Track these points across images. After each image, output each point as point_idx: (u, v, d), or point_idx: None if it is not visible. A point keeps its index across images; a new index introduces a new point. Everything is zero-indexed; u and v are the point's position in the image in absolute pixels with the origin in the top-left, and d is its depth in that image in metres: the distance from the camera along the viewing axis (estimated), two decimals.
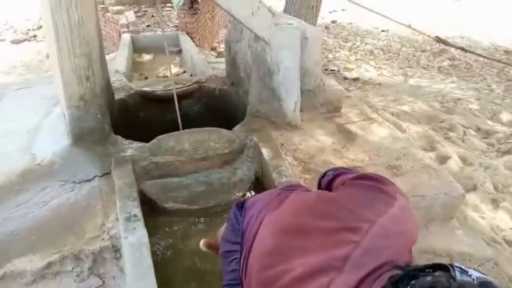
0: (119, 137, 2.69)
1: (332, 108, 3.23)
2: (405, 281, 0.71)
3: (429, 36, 2.97)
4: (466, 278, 0.66)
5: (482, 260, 2.50)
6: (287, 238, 0.95)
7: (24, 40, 7.48)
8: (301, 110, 3.01)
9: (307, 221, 0.96)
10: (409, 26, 3.08)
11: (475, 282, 0.65)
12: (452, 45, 3.22)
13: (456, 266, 0.70)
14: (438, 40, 2.83)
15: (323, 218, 0.94)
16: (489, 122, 4.36)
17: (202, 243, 1.61)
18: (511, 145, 3.84)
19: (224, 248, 1.27)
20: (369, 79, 5.73)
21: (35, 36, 7.64)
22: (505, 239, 2.82)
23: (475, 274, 0.68)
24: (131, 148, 2.57)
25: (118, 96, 3.25)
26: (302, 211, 1.01)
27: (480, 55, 4.95)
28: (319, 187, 1.37)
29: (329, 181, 1.28)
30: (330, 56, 6.82)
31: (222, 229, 1.56)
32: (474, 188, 3.20)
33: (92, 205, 2.22)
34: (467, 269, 0.69)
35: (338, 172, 1.29)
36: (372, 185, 0.97)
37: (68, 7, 2.26)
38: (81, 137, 2.58)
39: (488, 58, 5.52)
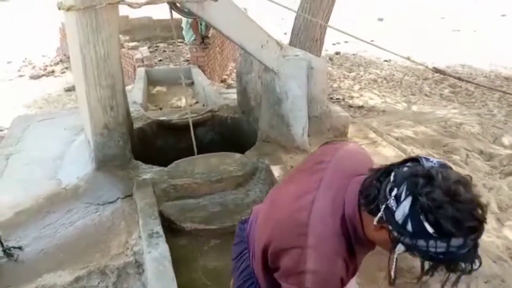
0: (139, 162, 2.87)
1: (339, 133, 3.40)
2: (385, 174, 0.90)
3: (426, 67, 3.16)
4: (429, 164, 0.89)
5: (489, 277, 2.58)
6: (279, 189, 1.24)
7: (43, 75, 7.86)
8: (309, 135, 3.18)
9: (292, 176, 1.25)
10: (408, 58, 3.29)
11: (436, 164, 0.88)
12: (449, 75, 3.39)
13: (422, 157, 0.91)
14: (436, 70, 3.01)
15: (300, 167, 1.24)
16: (492, 145, 4.48)
17: None
18: None
19: (234, 267, 1.44)
20: (373, 106, 5.92)
21: (53, 71, 8.02)
22: (511, 257, 2.89)
23: (435, 160, 0.90)
24: (151, 172, 2.75)
25: (136, 125, 3.46)
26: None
27: (478, 84, 5.14)
28: None
29: None
30: (335, 85, 7.05)
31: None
32: None
33: (116, 224, 2.37)
34: (429, 157, 0.91)
35: None
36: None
37: (95, 43, 2.50)
38: (104, 162, 2.76)
39: (484, 87, 5.71)
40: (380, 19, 14.27)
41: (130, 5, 2.50)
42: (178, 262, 2.25)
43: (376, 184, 0.91)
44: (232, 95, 4.28)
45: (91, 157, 2.81)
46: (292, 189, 1.13)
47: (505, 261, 2.84)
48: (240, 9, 2.82)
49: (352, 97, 6.41)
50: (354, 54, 9.57)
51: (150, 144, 3.45)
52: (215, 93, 4.49)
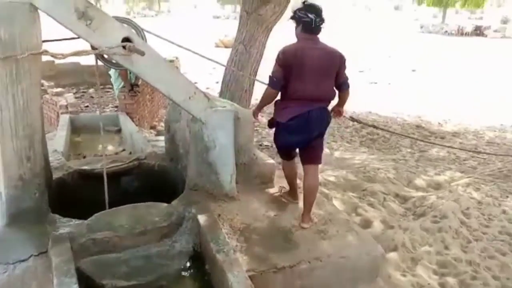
0: (57, 216, 2.71)
1: (266, 179, 3.52)
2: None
3: (344, 116, 3.47)
4: None
5: None
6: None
7: None
8: (237, 183, 3.25)
9: None
10: None
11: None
12: (364, 123, 3.74)
13: None
14: (352, 119, 3.31)
15: None
16: (406, 188, 4.89)
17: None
18: (425, 208, 4.33)
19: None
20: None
21: None
22: None
23: None
24: (69, 225, 2.60)
25: (56, 175, 3.29)
26: None
27: (391, 132, 5.66)
28: None
29: None
30: (264, 133, 7.32)
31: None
32: (395, 249, 3.53)
33: (27, 285, 2.19)
34: None
35: None
36: None
37: (14, 93, 2.40)
38: (17, 217, 2.57)
39: (397, 134, 6.29)
40: None
41: (54, 55, 2.47)
42: None
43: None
44: (161, 143, 4.26)
45: (2, 212, 2.60)
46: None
47: None
48: (168, 62, 2.91)
49: None
50: None
51: (71, 195, 3.27)
52: (143, 140, 4.43)
